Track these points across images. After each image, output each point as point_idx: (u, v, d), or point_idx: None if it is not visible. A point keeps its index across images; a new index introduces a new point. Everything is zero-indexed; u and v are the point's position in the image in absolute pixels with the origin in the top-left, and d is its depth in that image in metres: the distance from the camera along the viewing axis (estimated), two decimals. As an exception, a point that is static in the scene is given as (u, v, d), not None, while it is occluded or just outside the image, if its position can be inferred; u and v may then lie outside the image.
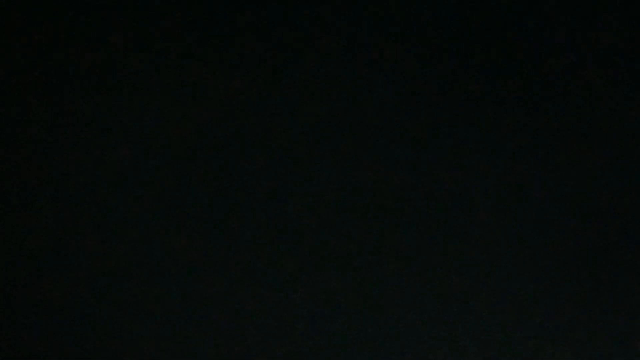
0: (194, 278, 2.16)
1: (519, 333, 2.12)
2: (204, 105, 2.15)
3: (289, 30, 2.15)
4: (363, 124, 2.14)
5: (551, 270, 2.12)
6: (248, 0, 2.15)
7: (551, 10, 2.13)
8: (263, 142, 2.15)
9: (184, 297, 2.16)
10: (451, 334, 2.12)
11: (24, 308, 2.16)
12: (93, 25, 2.15)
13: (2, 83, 2.15)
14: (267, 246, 2.15)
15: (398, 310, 2.13)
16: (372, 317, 2.13)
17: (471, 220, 2.12)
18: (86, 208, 2.15)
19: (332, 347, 2.14)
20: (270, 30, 2.15)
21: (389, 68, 2.14)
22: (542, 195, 2.12)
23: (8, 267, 2.15)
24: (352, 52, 2.15)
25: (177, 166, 2.15)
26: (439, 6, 2.14)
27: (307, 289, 2.14)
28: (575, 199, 2.12)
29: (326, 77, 2.14)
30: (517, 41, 2.13)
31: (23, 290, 2.15)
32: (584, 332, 2.11)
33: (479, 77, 2.13)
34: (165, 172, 2.15)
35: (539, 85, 2.12)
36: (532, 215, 2.12)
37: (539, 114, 2.12)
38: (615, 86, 2.12)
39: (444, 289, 2.12)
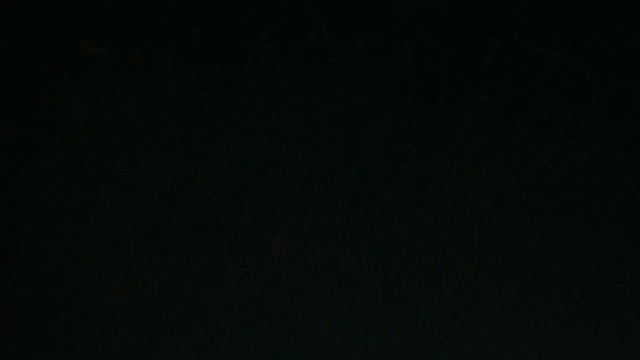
0: (191, 281, 2.16)
1: (518, 335, 2.12)
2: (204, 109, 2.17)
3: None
4: (360, 127, 2.15)
5: (550, 272, 2.13)
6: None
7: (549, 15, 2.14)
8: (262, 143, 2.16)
9: (178, 299, 2.16)
10: (449, 336, 2.13)
11: (23, 308, 2.17)
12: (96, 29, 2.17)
13: (2, 83, 2.17)
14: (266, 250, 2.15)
15: (399, 312, 2.14)
16: (371, 320, 2.14)
17: (470, 222, 2.13)
18: (84, 209, 2.16)
19: (328, 350, 2.14)
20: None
21: (389, 73, 2.15)
22: (540, 195, 2.13)
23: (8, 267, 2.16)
24: (346, 55, 2.16)
25: (176, 168, 2.16)
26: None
27: (308, 295, 2.15)
28: (574, 200, 2.13)
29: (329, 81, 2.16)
30: (513, 44, 2.14)
31: (22, 290, 2.16)
32: (582, 333, 2.11)
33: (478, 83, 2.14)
34: (164, 173, 2.16)
35: (538, 88, 2.13)
36: (529, 218, 2.13)
37: (536, 117, 2.13)
38: (613, 86, 2.13)
39: (441, 292, 2.13)
